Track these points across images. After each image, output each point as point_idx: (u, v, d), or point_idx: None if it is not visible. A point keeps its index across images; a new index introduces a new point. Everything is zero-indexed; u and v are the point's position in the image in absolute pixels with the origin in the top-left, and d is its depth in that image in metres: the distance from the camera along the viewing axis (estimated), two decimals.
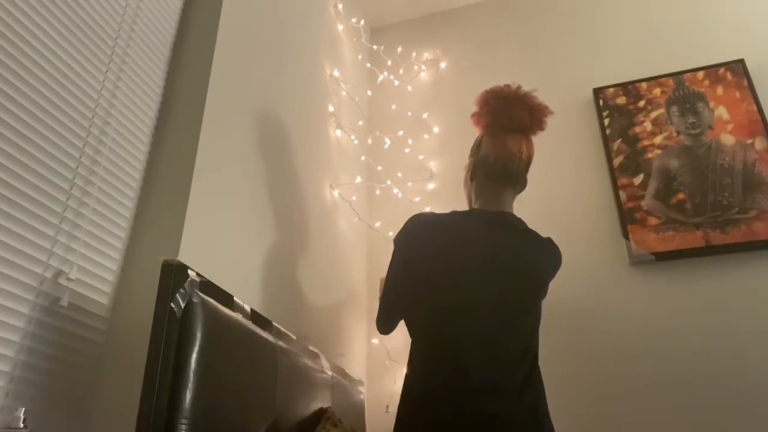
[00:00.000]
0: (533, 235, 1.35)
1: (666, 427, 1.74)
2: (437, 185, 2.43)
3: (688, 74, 2.21)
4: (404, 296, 1.31)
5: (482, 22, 2.75)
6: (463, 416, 1.09)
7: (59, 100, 1.02)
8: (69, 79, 1.05)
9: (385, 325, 1.38)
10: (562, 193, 2.18)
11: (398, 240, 1.35)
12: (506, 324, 1.21)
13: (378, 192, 2.46)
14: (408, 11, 2.88)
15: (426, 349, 1.23)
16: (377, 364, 2.12)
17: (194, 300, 0.90)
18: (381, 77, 2.72)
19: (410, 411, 1.17)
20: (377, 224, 2.34)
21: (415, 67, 2.75)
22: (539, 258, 1.32)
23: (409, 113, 2.63)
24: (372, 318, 2.21)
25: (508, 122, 1.35)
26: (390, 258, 1.37)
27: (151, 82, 1.29)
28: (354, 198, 2.25)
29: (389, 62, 2.76)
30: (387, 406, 2.00)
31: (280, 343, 1.21)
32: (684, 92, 2.19)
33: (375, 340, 2.17)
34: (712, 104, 2.13)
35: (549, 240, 1.37)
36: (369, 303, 2.24)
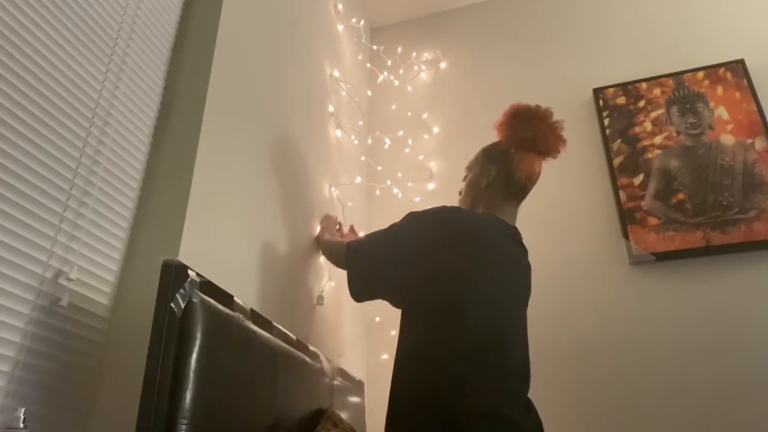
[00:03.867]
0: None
1: (666, 426, 1.74)
2: (437, 185, 2.43)
3: (688, 74, 2.22)
4: (409, 281, 1.23)
5: (482, 22, 2.75)
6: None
7: (59, 100, 1.02)
8: (69, 79, 1.05)
9: (364, 292, 1.36)
10: (562, 193, 2.18)
11: (428, 223, 1.27)
12: (526, 344, 1.25)
13: (378, 192, 2.46)
14: (408, 11, 2.88)
15: (470, 368, 1.11)
16: (377, 364, 2.12)
17: (194, 300, 0.90)
18: (381, 77, 2.72)
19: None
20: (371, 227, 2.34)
21: (415, 68, 2.75)
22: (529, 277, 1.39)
23: (409, 113, 2.63)
24: (372, 317, 2.21)
25: (544, 146, 1.39)
26: (401, 225, 1.32)
27: (151, 82, 1.29)
28: (349, 204, 2.24)
29: (389, 62, 2.76)
30: None
31: (280, 343, 1.21)
32: (684, 92, 2.19)
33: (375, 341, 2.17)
34: (712, 104, 2.13)
35: None
36: (369, 303, 2.24)
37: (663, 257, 1.94)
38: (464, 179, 1.50)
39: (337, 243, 1.64)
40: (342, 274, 2.05)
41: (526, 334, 1.26)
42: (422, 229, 1.28)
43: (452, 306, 1.15)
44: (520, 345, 1.23)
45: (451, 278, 1.18)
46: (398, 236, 1.31)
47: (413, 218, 1.32)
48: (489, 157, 1.43)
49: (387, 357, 2.07)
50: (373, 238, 1.41)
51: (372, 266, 1.34)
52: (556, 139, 1.39)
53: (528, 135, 1.38)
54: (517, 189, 1.38)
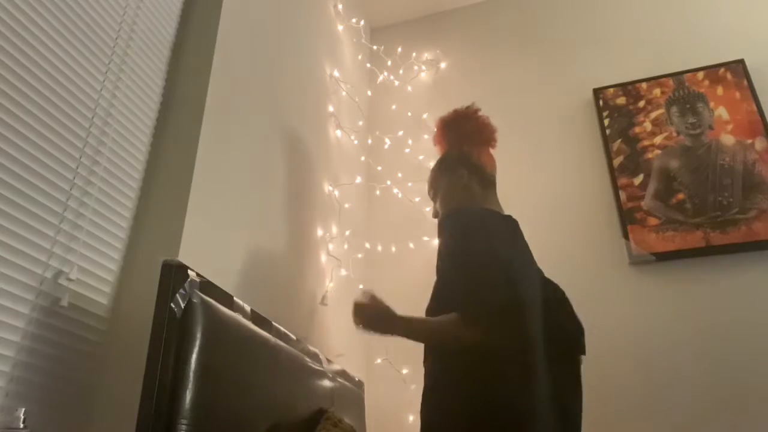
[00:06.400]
0: None
1: (665, 426, 1.74)
2: None
3: (688, 74, 2.21)
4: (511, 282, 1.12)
5: (482, 22, 2.75)
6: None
7: (59, 100, 1.02)
8: (69, 79, 1.05)
9: (502, 328, 1.08)
10: (562, 193, 2.18)
11: (476, 229, 1.19)
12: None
13: (378, 192, 2.46)
14: (408, 11, 2.88)
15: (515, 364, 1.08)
16: (377, 364, 2.12)
17: (194, 300, 0.90)
18: (381, 77, 2.72)
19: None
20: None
21: (415, 68, 2.75)
22: None
23: (409, 113, 2.63)
24: None
25: (485, 137, 1.47)
26: (456, 249, 1.18)
27: (151, 82, 1.29)
28: (347, 206, 2.24)
29: (389, 62, 2.76)
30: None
31: (280, 343, 1.21)
32: (684, 92, 2.19)
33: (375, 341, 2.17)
34: (712, 104, 2.13)
35: None
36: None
37: (663, 257, 1.94)
38: (433, 198, 1.49)
39: (422, 319, 1.23)
40: (341, 274, 2.04)
41: None
42: (480, 236, 1.17)
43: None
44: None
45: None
46: (464, 250, 1.17)
47: (465, 228, 1.19)
48: (449, 165, 1.44)
49: (387, 357, 2.07)
50: (456, 279, 1.16)
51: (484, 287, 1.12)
52: (490, 129, 1.48)
53: (469, 131, 1.47)
54: (489, 180, 1.42)
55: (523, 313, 1.10)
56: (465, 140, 1.46)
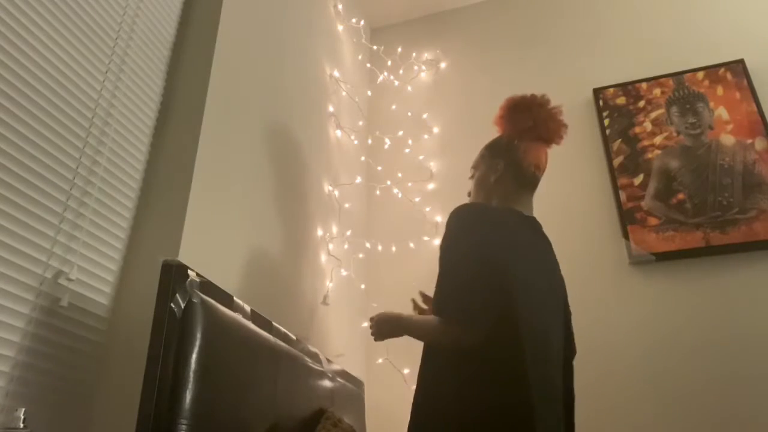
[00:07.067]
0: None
1: (665, 426, 1.74)
2: (437, 185, 2.43)
3: (688, 74, 2.21)
4: (496, 294, 1.10)
5: (482, 22, 2.75)
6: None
7: (59, 100, 1.02)
8: (69, 79, 1.05)
9: (479, 329, 1.07)
10: (562, 193, 2.18)
11: (470, 229, 1.18)
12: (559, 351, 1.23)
13: (378, 192, 2.46)
14: (408, 11, 2.88)
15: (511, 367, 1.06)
16: (377, 364, 2.12)
17: (194, 300, 0.90)
18: (381, 77, 2.72)
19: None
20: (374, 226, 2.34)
21: (415, 68, 2.75)
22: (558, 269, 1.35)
23: (409, 113, 2.63)
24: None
25: (546, 133, 1.37)
26: (449, 248, 1.17)
27: (151, 82, 1.29)
28: (347, 206, 2.24)
29: (389, 62, 2.76)
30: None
31: (280, 343, 1.21)
32: (684, 92, 2.19)
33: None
34: (712, 104, 2.13)
35: None
36: (369, 303, 2.24)
37: (663, 257, 1.94)
38: (471, 177, 1.47)
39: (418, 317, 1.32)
40: (337, 275, 2.04)
41: (560, 328, 1.24)
42: (470, 242, 1.17)
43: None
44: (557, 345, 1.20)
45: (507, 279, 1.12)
46: (455, 260, 1.17)
47: (459, 232, 1.19)
48: (493, 152, 1.41)
49: (387, 357, 2.07)
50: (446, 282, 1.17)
51: (462, 305, 1.12)
52: (557, 125, 1.37)
53: (528, 124, 1.37)
54: (528, 179, 1.35)
55: (507, 319, 1.07)
56: (521, 130, 1.37)
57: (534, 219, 1.33)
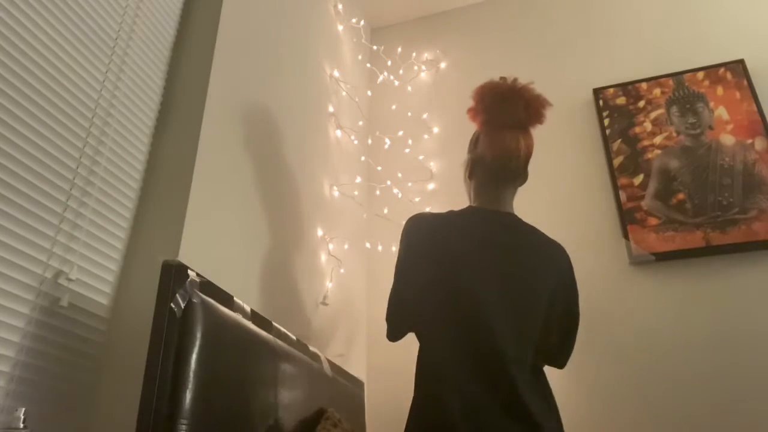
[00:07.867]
0: (535, 236, 1.30)
1: (665, 426, 1.74)
2: (437, 185, 2.43)
3: (688, 74, 2.21)
4: (413, 301, 1.22)
5: (482, 22, 2.75)
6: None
7: (59, 100, 1.02)
8: (69, 79, 1.05)
9: (393, 335, 1.28)
10: (562, 194, 2.18)
11: (400, 245, 1.28)
12: (514, 329, 1.16)
13: (378, 192, 2.46)
14: (408, 11, 2.88)
15: (455, 361, 1.12)
16: (377, 364, 2.12)
17: (194, 300, 0.90)
18: (381, 77, 2.72)
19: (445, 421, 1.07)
20: (384, 211, 2.34)
21: (415, 68, 2.75)
22: (537, 262, 1.25)
23: (409, 113, 2.63)
24: (372, 317, 2.22)
25: (505, 118, 1.28)
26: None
27: (151, 82, 1.29)
28: (347, 205, 2.24)
29: (389, 62, 2.76)
30: None
31: (280, 343, 1.21)
32: (684, 92, 2.19)
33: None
34: (712, 104, 2.13)
35: (554, 243, 1.31)
36: (369, 303, 2.24)
37: (663, 257, 1.94)
38: None
39: None
40: (341, 274, 2.05)
41: (518, 310, 1.17)
42: (400, 256, 1.28)
43: (431, 299, 1.22)
44: (505, 324, 1.15)
45: (426, 272, 1.23)
46: (395, 275, 1.29)
47: (398, 250, 1.30)
48: (468, 149, 1.41)
49: (387, 357, 2.07)
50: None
51: (388, 310, 1.29)
52: (514, 105, 1.27)
53: (485, 115, 1.31)
54: (496, 170, 1.29)
55: (429, 325, 1.19)
56: (482, 122, 1.33)
57: (506, 215, 1.29)
